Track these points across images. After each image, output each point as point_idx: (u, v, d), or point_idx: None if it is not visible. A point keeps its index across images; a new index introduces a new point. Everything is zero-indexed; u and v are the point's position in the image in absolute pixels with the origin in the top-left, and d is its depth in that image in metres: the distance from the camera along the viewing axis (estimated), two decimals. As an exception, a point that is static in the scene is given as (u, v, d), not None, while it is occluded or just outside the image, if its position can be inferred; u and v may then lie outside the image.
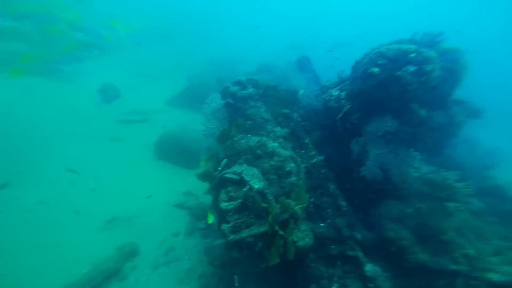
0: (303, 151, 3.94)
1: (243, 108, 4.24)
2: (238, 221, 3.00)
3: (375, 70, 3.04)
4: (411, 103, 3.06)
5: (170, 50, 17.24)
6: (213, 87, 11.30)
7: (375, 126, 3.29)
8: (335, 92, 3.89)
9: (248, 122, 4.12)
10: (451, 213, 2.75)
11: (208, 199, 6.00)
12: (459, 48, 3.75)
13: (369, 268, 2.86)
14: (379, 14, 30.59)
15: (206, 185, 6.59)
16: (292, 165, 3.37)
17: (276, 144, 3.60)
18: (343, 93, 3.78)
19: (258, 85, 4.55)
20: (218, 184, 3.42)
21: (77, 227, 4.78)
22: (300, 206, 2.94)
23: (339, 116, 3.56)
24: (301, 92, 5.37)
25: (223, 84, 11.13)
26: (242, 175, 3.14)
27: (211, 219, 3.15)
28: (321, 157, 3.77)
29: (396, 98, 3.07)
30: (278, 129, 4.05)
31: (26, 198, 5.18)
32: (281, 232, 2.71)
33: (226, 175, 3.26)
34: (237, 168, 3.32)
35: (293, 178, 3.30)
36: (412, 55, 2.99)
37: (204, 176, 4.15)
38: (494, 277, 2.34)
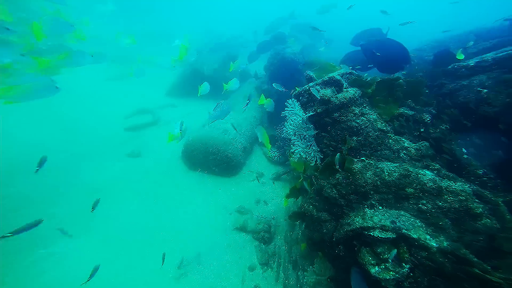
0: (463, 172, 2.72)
1: (343, 119, 3.04)
2: None
3: None
4: None
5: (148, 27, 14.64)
6: (222, 68, 9.86)
7: None
8: None
9: (355, 138, 2.98)
10: None
11: (262, 211, 5.48)
12: None
13: None
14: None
15: (254, 194, 6.04)
16: (479, 204, 2.26)
17: (432, 174, 2.46)
18: None
19: (360, 82, 3.19)
20: (344, 240, 2.53)
21: (153, 281, 4.06)
22: None
23: None
24: None
25: (238, 64, 9.43)
26: (402, 231, 2.13)
27: None
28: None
29: None
30: (407, 143, 2.82)
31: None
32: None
33: (370, 233, 2.25)
34: (383, 219, 2.29)
35: (486, 221, 2.23)
36: None
37: (297, 217, 3.33)
38: None
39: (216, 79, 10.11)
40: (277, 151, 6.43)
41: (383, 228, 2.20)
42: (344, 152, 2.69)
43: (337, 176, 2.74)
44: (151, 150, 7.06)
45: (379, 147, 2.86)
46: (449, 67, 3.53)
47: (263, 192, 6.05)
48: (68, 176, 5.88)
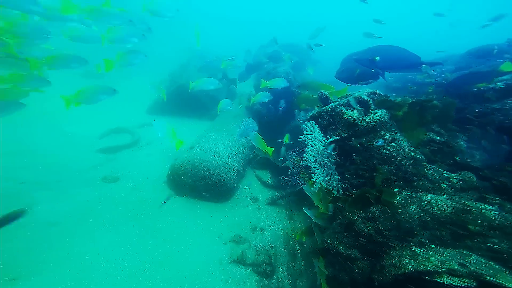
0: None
1: (372, 145, 2.76)
2: None
3: None
4: None
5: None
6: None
7: None
8: None
9: (385, 167, 2.68)
10: None
11: (260, 240, 4.92)
12: None
13: None
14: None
15: (249, 221, 5.57)
16: None
17: (495, 209, 2.20)
18: None
19: (389, 104, 2.99)
20: (392, 286, 2.11)
21: None
22: None
23: None
24: None
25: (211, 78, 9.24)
26: (485, 277, 1.76)
27: None
28: None
29: None
30: (446, 172, 2.59)
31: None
32: None
33: (435, 279, 1.83)
34: (445, 261, 1.91)
35: None
36: None
37: (319, 253, 2.89)
38: None
39: (200, 97, 9.83)
40: (288, 179, 5.87)
41: (452, 273, 1.82)
42: (378, 183, 2.49)
43: (372, 210, 2.46)
44: (131, 174, 6.30)
45: (414, 177, 2.63)
46: (474, 89, 3.50)
47: (259, 218, 5.64)
48: (15, 208, 4.75)
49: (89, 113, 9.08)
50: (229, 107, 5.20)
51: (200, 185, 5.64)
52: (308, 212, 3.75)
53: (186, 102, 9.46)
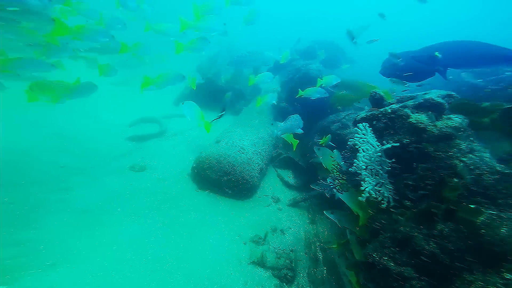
0: None
1: (442, 155, 2.40)
2: None
3: None
4: None
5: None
6: (234, 81, 9.48)
7: None
8: None
9: (455, 180, 2.33)
10: None
11: (279, 242, 4.59)
12: None
13: None
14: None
15: (269, 221, 5.46)
16: None
17: None
18: None
19: (471, 108, 2.61)
20: None
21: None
22: None
23: None
24: None
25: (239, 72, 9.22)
26: None
27: None
28: None
29: None
30: None
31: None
32: None
33: None
34: None
35: None
36: None
37: (361, 267, 2.67)
38: None
39: (227, 90, 9.77)
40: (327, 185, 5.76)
41: None
42: (452, 198, 2.20)
43: (439, 227, 2.19)
44: (157, 164, 6.47)
45: (499, 195, 2.26)
46: None
47: (280, 219, 5.52)
48: (55, 193, 5.00)
49: (120, 102, 9.46)
50: (274, 101, 5.43)
51: (224, 180, 5.62)
52: (333, 218, 3.51)
53: (212, 96, 9.46)
